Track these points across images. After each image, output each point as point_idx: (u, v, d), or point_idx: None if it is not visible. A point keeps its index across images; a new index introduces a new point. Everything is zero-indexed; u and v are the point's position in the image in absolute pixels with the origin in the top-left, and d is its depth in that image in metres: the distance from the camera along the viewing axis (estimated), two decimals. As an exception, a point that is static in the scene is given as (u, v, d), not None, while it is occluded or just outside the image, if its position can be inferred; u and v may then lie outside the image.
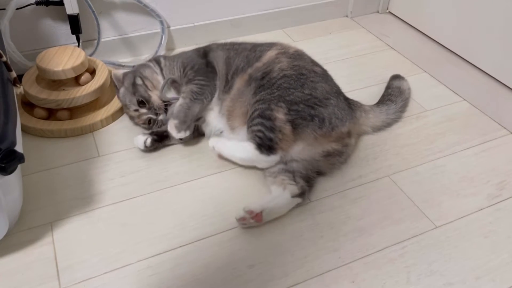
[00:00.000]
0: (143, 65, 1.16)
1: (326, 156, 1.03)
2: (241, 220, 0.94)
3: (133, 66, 1.21)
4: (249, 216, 0.93)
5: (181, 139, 1.11)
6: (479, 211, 1.00)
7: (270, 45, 1.15)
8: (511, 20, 1.32)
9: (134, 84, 1.11)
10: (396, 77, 1.34)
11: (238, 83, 1.09)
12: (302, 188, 0.99)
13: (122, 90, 1.14)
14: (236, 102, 1.07)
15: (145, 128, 1.16)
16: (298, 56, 1.11)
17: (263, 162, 1.01)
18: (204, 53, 1.17)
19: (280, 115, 0.98)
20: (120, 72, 1.15)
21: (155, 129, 1.13)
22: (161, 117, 1.12)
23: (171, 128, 1.07)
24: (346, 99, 1.10)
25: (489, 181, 1.07)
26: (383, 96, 1.26)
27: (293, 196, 0.97)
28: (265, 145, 0.98)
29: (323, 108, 1.00)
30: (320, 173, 1.06)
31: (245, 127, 1.03)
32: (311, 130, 0.99)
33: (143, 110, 1.12)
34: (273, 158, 1.00)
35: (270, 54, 1.11)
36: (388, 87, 1.30)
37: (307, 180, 1.01)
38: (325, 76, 1.09)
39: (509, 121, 1.25)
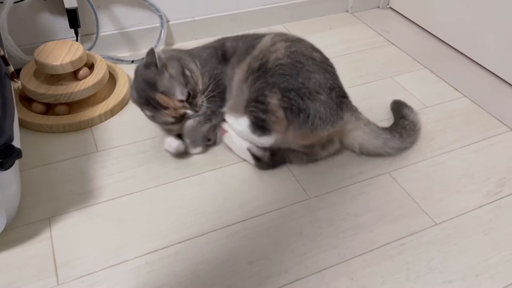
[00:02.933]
0: (187, 58, 1.09)
1: (293, 150, 1.06)
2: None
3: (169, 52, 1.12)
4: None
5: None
6: (479, 208, 1.00)
7: (271, 33, 1.12)
8: (512, 16, 1.31)
9: (184, 75, 1.04)
10: (407, 107, 1.19)
11: (238, 74, 1.07)
12: (262, 156, 1.04)
13: (167, 75, 1.02)
14: (237, 99, 1.06)
15: (165, 124, 1.08)
16: (298, 41, 1.08)
17: (256, 141, 1.04)
18: (223, 55, 1.12)
19: (274, 100, 0.99)
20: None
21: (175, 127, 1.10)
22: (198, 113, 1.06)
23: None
24: (340, 95, 1.04)
25: (489, 178, 1.07)
26: (395, 124, 1.14)
27: (248, 150, 1.05)
28: (259, 125, 1.00)
29: (310, 101, 0.99)
30: (286, 160, 1.08)
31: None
32: (293, 126, 0.99)
33: (186, 104, 1.04)
34: (266, 140, 1.02)
35: (266, 39, 1.08)
36: (403, 117, 1.15)
37: (273, 156, 1.06)
38: (323, 64, 1.05)
39: (509, 118, 1.24)
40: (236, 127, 1.06)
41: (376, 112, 1.25)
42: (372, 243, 0.92)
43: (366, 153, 1.10)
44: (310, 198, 1.01)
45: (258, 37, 1.12)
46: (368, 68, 1.44)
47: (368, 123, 1.07)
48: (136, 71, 1.08)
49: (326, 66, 1.05)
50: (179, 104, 1.03)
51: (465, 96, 1.33)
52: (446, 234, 0.94)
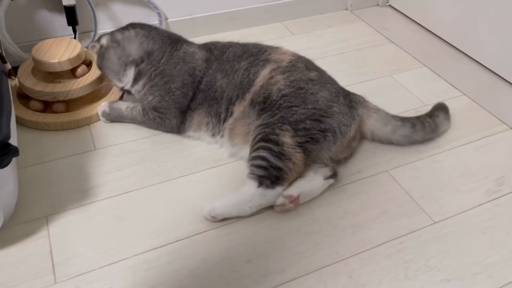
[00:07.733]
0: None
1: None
2: (281, 206, 0.95)
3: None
4: (288, 201, 0.94)
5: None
6: (478, 206, 0.99)
7: (264, 62, 1.07)
8: (511, 15, 1.31)
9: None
10: (443, 112, 1.16)
11: (238, 109, 1.05)
12: (333, 169, 1.01)
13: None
14: (238, 121, 1.05)
15: None
16: (292, 67, 1.05)
17: (270, 199, 0.94)
18: (198, 80, 1.10)
19: (287, 139, 0.95)
20: None
21: None
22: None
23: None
24: (346, 96, 1.06)
25: (488, 177, 1.06)
26: (417, 117, 1.12)
27: (326, 178, 0.99)
28: (272, 176, 0.93)
29: (329, 118, 0.99)
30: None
31: (245, 145, 1.02)
32: (326, 149, 0.98)
33: None
34: (278, 191, 0.94)
35: (264, 74, 1.05)
36: (430, 115, 1.13)
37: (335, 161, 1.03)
38: (322, 80, 1.05)
39: (508, 116, 1.24)
40: (242, 198, 0.94)
41: (375, 110, 1.25)
42: (371, 242, 0.91)
43: (377, 140, 1.12)
44: (308, 197, 1.01)
45: (251, 70, 1.07)
46: (367, 66, 1.44)
47: (377, 110, 1.09)
48: None
49: (325, 79, 1.06)
50: None
51: (464, 94, 1.33)
52: (444, 232, 0.94)
